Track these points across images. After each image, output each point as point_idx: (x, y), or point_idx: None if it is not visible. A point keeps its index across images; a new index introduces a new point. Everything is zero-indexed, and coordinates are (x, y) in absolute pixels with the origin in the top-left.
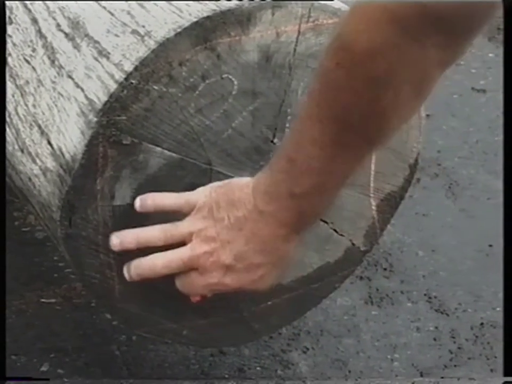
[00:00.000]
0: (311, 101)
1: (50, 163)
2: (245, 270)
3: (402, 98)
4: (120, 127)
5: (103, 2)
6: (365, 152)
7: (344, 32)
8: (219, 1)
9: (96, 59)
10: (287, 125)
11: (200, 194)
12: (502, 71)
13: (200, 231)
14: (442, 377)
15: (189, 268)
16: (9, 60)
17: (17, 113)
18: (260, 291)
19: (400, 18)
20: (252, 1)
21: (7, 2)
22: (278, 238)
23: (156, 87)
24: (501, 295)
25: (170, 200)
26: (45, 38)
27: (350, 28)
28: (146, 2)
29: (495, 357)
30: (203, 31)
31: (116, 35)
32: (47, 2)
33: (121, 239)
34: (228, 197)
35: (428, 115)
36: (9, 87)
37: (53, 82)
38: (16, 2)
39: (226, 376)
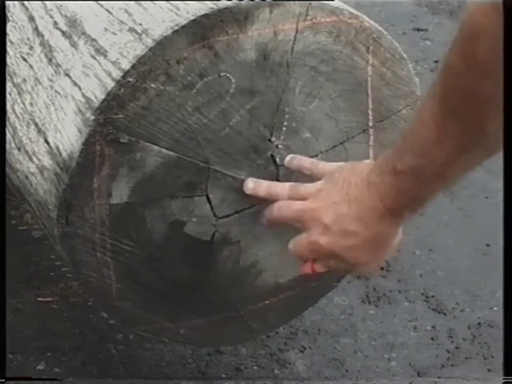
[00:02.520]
0: (435, 83)
1: (47, 161)
2: (339, 234)
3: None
4: (117, 125)
5: (100, 0)
6: (465, 147)
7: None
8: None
9: (93, 57)
10: (285, 124)
11: (333, 165)
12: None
13: (318, 191)
14: (439, 377)
15: (298, 221)
16: (6, 57)
17: (14, 111)
18: (354, 268)
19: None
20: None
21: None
22: (375, 212)
23: (153, 85)
24: (498, 294)
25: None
26: (42, 36)
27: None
28: (144, 0)
29: (492, 357)
30: (201, 29)
31: (113, 33)
32: (39, 2)
33: (255, 185)
34: (352, 166)
35: None
36: (6, 85)
37: (50, 80)
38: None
39: (223, 375)
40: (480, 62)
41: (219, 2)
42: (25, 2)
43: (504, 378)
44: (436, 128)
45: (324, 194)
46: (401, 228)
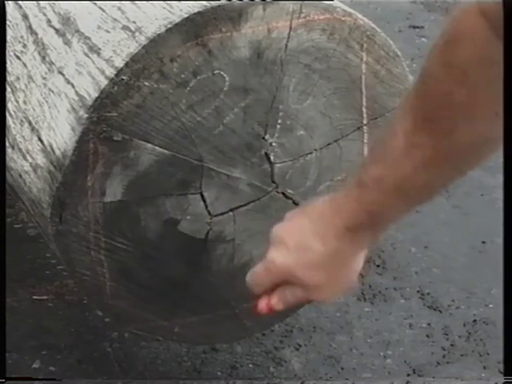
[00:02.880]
0: (409, 90)
1: (40, 159)
2: (295, 249)
3: (477, 97)
4: (111, 123)
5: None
6: (432, 160)
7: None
8: None
9: (86, 55)
10: (279, 121)
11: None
12: None
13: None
14: (433, 377)
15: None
16: None
17: (7, 110)
18: (310, 295)
19: (487, 12)
20: None
21: None
22: (333, 228)
23: (146, 83)
24: (493, 291)
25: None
26: (36, 34)
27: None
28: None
29: (488, 354)
30: (194, 27)
31: (107, 31)
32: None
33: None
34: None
35: None
36: None
37: (44, 78)
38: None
39: (219, 373)
40: (457, 68)
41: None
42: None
43: (504, 378)
44: (404, 137)
45: (293, 217)
46: (363, 255)
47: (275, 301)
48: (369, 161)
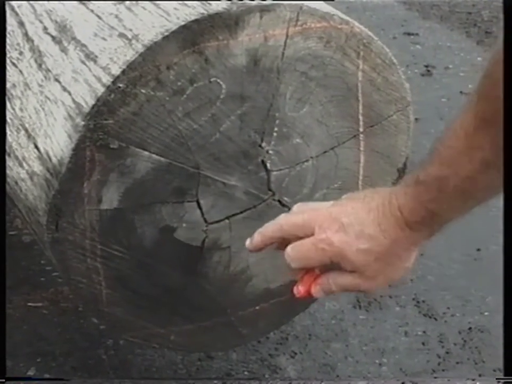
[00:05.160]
0: (471, 93)
1: (37, 167)
2: (355, 235)
3: None
4: (107, 131)
5: (90, 5)
6: (491, 162)
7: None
8: (207, 5)
9: (83, 62)
10: (275, 129)
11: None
12: None
13: (335, 202)
14: (435, 377)
15: (307, 226)
16: None
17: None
18: (358, 284)
19: None
20: (240, 4)
21: None
22: (393, 221)
23: (143, 91)
24: (488, 299)
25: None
26: (32, 41)
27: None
28: (134, 6)
29: (483, 361)
30: (191, 35)
31: (103, 38)
32: (34, 5)
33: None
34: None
35: (416, 119)
36: None
37: (40, 85)
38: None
39: (214, 380)
40: None
41: (209, 8)
42: (15, 7)
43: (504, 378)
44: (465, 138)
45: (343, 202)
46: (416, 252)
47: (317, 290)
48: (429, 161)
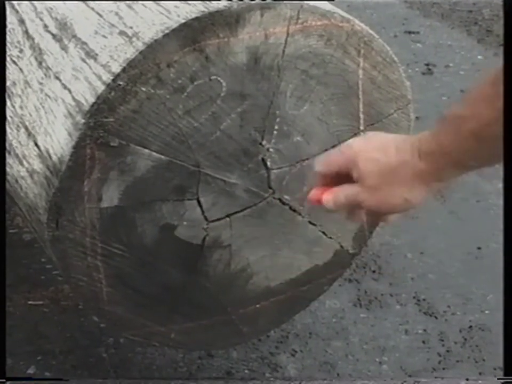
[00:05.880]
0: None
1: (37, 165)
2: (372, 146)
3: None
4: (107, 128)
5: (90, 3)
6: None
7: None
8: (208, 3)
9: (83, 60)
10: (276, 127)
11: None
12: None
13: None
14: (436, 377)
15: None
16: None
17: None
18: (362, 190)
19: None
20: (240, 3)
21: None
22: (409, 145)
23: (143, 89)
24: (489, 297)
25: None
26: (32, 39)
27: None
28: (135, 3)
29: (484, 360)
30: (191, 33)
31: (104, 36)
32: (34, 3)
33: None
34: None
35: (417, 117)
36: None
37: (40, 83)
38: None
39: (215, 378)
40: None
41: (210, 5)
42: (16, 5)
43: (504, 378)
44: (490, 85)
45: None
46: (424, 192)
47: (327, 198)
48: (457, 103)
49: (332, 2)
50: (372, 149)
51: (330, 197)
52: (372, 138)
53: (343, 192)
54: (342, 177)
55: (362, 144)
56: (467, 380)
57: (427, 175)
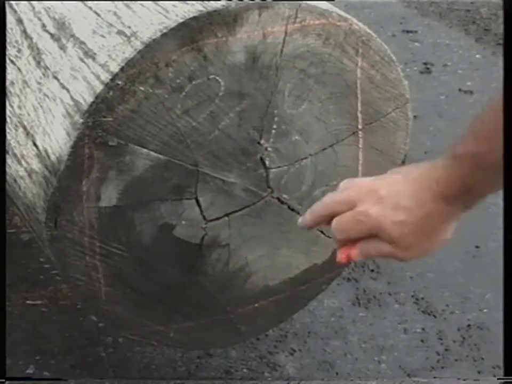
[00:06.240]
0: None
1: (35, 164)
2: (391, 207)
3: None
4: (106, 128)
5: (88, 2)
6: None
7: None
8: (206, 2)
9: (82, 60)
10: (274, 126)
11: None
12: (488, 73)
13: (374, 178)
14: (434, 377)
15: (347, 202)
16: None
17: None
18: (394, 253)
19: None
20: (238, 2)
21: None
22: (429, 193)
23: (142, 88)
24: (487, 296)
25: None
26: (31, 38)
27: None
28: (133, 3)
29: (482, 358)
30: (189, 32)
31: (102, 36)
32: (32, 2)
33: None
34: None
35: (415, 116)
36: None
37: (39, 83)
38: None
39: (213, 378)
40: None
41: (208, 4)
42: (14, 5)
43: (504, 378)
44: (500, 115)
45: (386, 175)
46: (452, 225)
47: (356, 253)
48: (466, 137)
49: (330, 1)
50: (393, 212)
51: (358, 251)
52: (388, 199)
53: (373, 248)
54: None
55: (380, 209)
56: (464, 380)
57: (456, 214)
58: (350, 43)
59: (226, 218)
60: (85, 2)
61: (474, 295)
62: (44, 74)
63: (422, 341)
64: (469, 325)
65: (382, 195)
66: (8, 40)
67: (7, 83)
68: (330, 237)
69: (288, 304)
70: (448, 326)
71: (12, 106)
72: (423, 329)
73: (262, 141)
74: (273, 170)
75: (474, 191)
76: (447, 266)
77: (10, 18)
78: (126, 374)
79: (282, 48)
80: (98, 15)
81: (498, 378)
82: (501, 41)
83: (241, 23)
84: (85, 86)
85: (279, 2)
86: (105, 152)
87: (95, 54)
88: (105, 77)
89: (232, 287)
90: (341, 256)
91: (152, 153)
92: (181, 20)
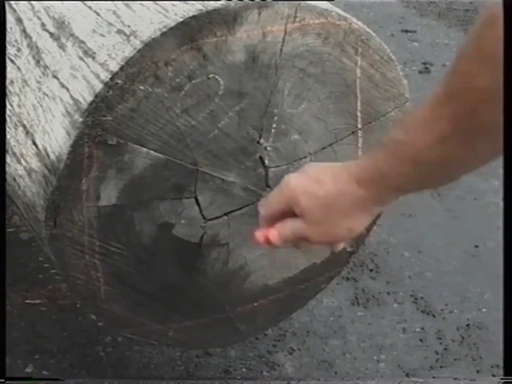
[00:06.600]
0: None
1: (35, 163)
2: (310, 179)
3: (500, 84)
4: (105, 127)
5: (88, 2)
6: (449, 138)
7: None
8: (205, 1)
9: (81, 59)
10: (273, 126)
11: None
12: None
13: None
14: (433, 377)
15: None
16: None
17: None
18: (307, 228)
19: None
20: (238, 1)
21: None
22: (345, 172)
23: (141, 87)
24: (486, 295)
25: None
26: (30, 37)
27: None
28: (132, 2)
29: (481, 358)
30: (189, 31)
31: (102, 35)
32: (32, 2)
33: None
34: None
35: None
36: None
37: (38, 82)
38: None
39: (212, 377)
40: (487, 50)
41: (207, 4)
42: (13, 4)
43: (504, 378)
44: (429, 109)
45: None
46: (367, 219)
47: (273, 233)
48: (396, 126)
49: (329, 1)
50: (309, 183)
51: (276, 232)
52: (308, 171)
53: (288, 227)
54: (287, 215)
55: (299, 179)
56: (463, 379)
57: (367, 201)
58: (349, 42)
59: (225, 217)
60: (85, 1)
61: (473, 294)
62: (43, 73)
63: (421, 340)
64: (468, 325)
65: (306, 169)
66: (7, 39)
67: (7, 82)
68: None
69: (287, 303)
70: (447, 325)
71: (11, 105)
72: (422, 328)
73: (262, 140)
74: (273, 169)
75: (388, 179)
76: (446, 266)
77: (9, 18)
78: (125, 373)
79: (282, 47)
80: (98, 14)
81: (501, 378)
82: None
83: (241, 22)
84: (85, 85)
85: (278, 1)
86: (105, 151)
87: (94, 53)
88: (105, 76)
89: (232, 286)
90: (259, 236)
91: (151, 152)
92: (181, 19)
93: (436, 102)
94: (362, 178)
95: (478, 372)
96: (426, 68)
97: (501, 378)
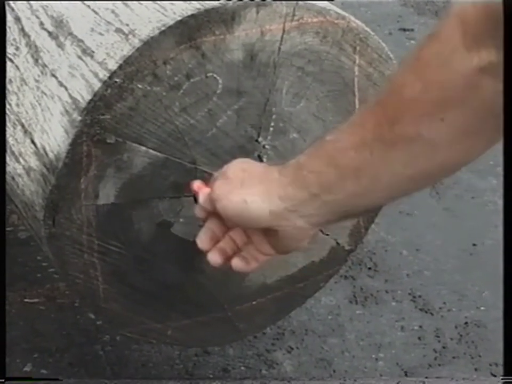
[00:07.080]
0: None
1: (33, 162)
2: (234, 167)
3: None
4: (104, 126)
5: (87, 1)
6: (368, 142)
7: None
8: (204, 0)
9: (80, 58)
10: (272, 124)
11: None
12: None
13: None
14: (426, 377)
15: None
16: None
17: None
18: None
19: (464, 17)
20: (236, 0)
21: None
22: (260, 167)
23: (140, 86)
24: (485, 294)
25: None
26: (28, 36)
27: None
28: (131, 1)
29: (479, 356)
30: (187, 30)
31: (100, 33)
32: (30, 1)
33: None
34: None
35: None
36: None
37: (37, 81)
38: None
39: (211, 376)
40: (420, 61)
41: (206, 2)
42: (11, 3)
43: (504, 378)
44: (359, 113)
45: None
46: (298, 240)
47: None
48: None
49: (327, 0)
50: (227, 182)
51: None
52: (226, 174)
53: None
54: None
55: (221, 184)
56: (462, 379)
57: (283, 183)
58: (347, 41)
59: None
60: (83, 0)
61: (472, 292)
62: (41, 72)
63: (419, 338)
64: (466, 323)
65: (225, 171)
66: (6, 38)
67: (5, 81)
68: (328, 235)
69: (286, 302)
70: (445, 323)
71: (10, 104)
72: (420, 326)
73: (260, 139)
74: None
75: (303, 171)
76: (444, 264)
77: (8, 17)
78: (124, 372)
79: (280, 46)
80: (96, 13)
81: (501, 378)
82: None
83: (239, 21)
84: (83, 83)
85: (276, 0)
86: (103, 150)
87: (93, 51)
88: (103, 74)
89: (230, 285)
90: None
91: (150, 151)
92: (179, 18)
93: (367, 108)
94: (283, 167)
95: (476, 370)
96: None
97: (501, 378)
